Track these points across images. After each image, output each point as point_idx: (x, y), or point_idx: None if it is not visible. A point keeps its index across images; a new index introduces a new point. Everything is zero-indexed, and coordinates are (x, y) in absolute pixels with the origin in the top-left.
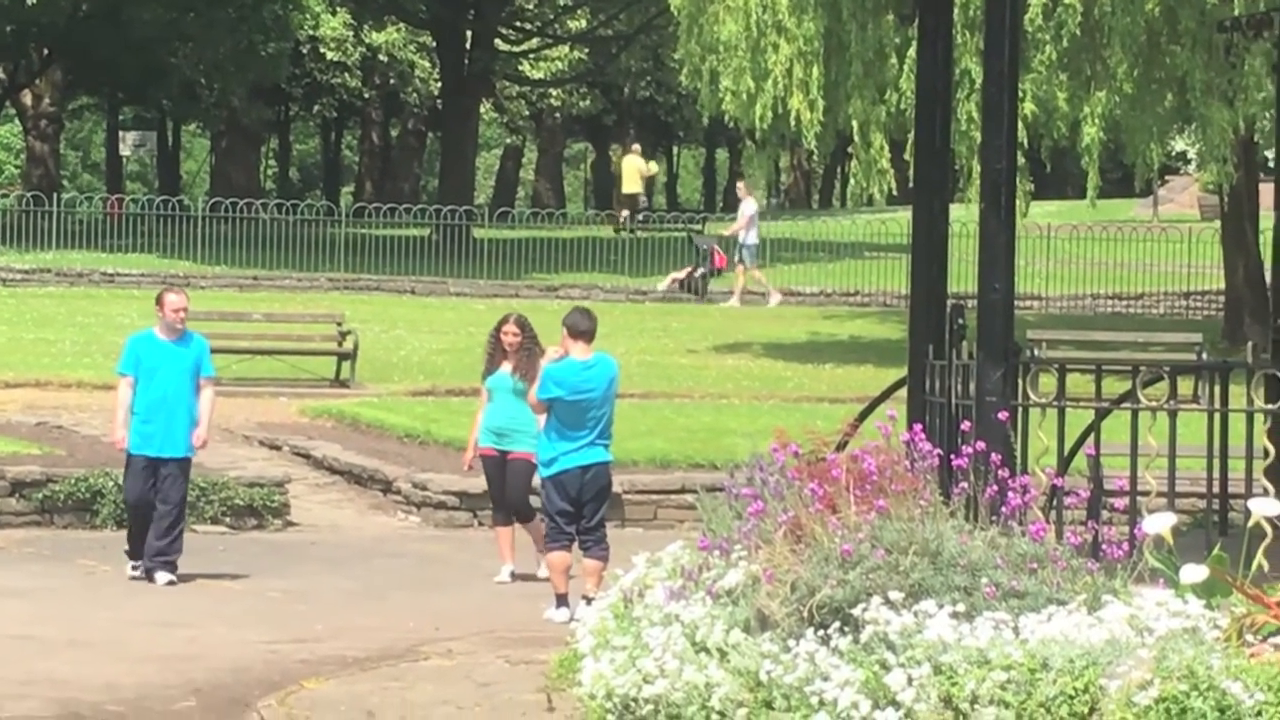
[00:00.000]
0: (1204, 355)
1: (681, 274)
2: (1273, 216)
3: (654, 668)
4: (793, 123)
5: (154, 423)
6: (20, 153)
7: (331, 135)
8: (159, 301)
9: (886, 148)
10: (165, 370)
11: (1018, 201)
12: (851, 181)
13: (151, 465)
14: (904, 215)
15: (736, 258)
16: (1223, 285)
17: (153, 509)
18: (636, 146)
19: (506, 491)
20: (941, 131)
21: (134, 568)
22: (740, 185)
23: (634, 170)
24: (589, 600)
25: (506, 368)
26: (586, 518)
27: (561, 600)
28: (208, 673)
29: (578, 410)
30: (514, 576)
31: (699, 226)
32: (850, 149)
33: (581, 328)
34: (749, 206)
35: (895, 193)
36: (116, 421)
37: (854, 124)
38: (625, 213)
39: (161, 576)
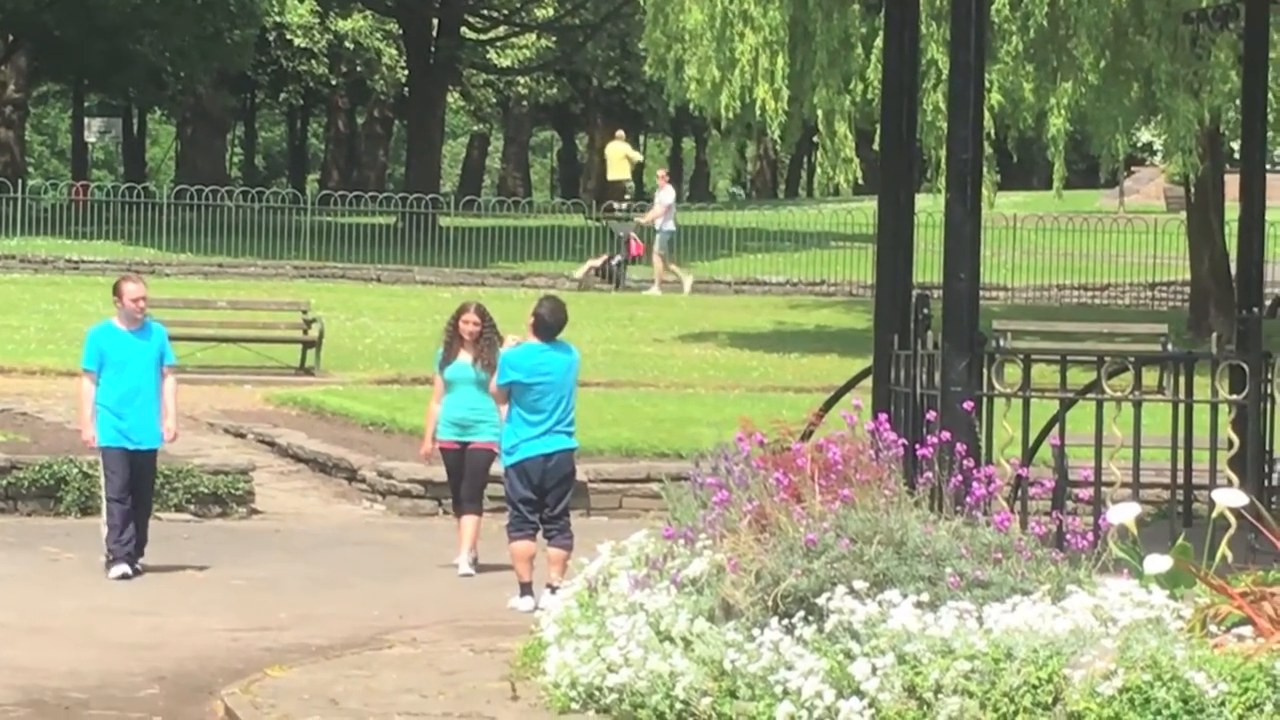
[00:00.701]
0: (1169, 346)
1: (598, 261)
2: (1238, 208)
3: (618, 656)
4: (758, 112)
5: (128, 417)
6: None
7: (297, 123)
8: (117, 292)
9: (851, 137)
10: (134, 362)
11: (984, 192)
12: (817, 171)
13: (130, 457)
14: (870, 205)
15: (656, 246)
16: (1188, 276)
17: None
18: (620, 133)
19: (464, 480)
20: (908, 122)
21: (130, 570)
22: (660, 174)
23: (620, 156)
24: (553, 589)
25: (466, 358)
26: (550, 506)
27: (525, 589)
28: (171, 660)
29: (536, 394)
30: (475, 566)
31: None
32: (816, 138)
33: (548, 323)
34: (666, 195)
35: (861, 182)
36: (84, 418)
37: (819, 113)
38: (619, 203)
39: (119, 569)
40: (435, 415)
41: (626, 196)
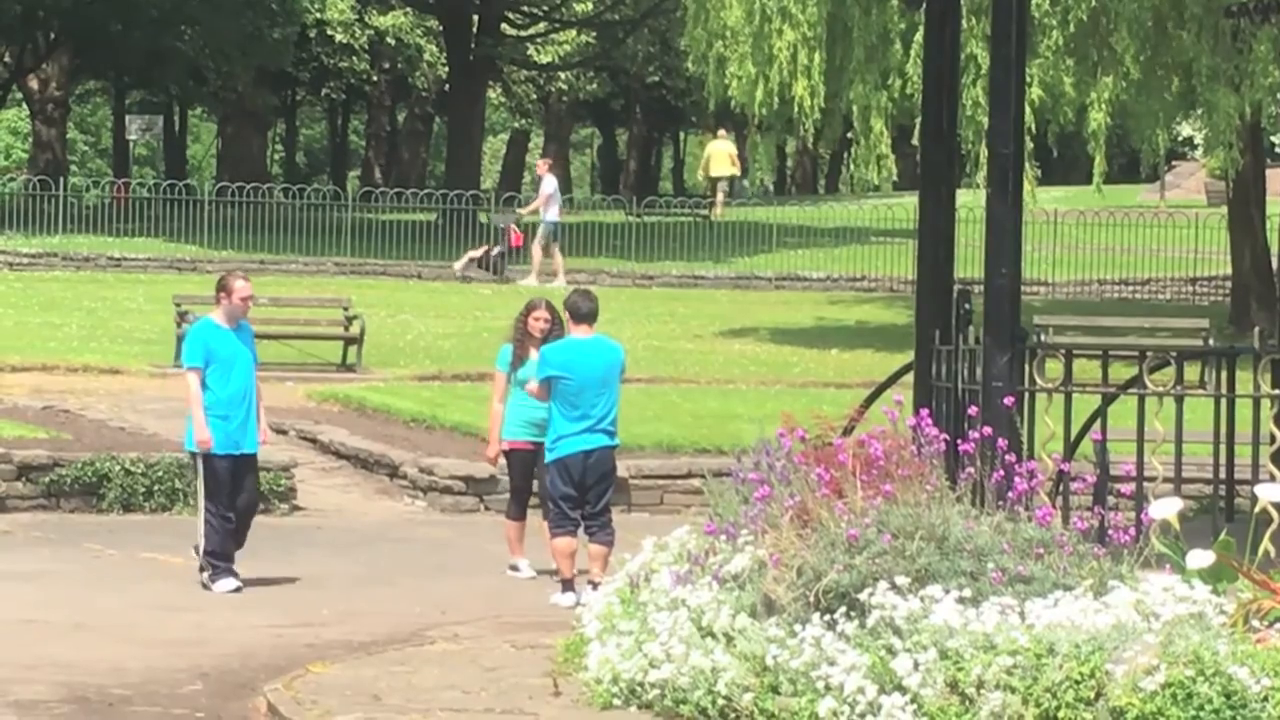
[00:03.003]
0: (1211, 341)
1: (478, 252)
2: (1279, 202)
3: (660, 652)
4: (795, 109)
5: (234, 419)
6: (27, 137)
7: (338, 120)
8: (225, 289)
9: (886, 133)
10: (239, 362)
11: (1025, 187)
12: (851, 166)
13: (234, 464)
14: (911, 200)
15: (538, 236)
16: (1229, 271)
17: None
18: (723, 131)
19: (541, 488)
20: (948, 116)
21: (236, 585)
22: (540, 163)
23: (723, 154)
24: (595, 585)
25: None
26: (591, 503)
27: (567, 585)
28: (214, 657)
29: (574, 390)
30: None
31: (706, 212)
32: (850, 134)
33: (583, 310)
34: (548, 185)
35: (895, 179)
36: (200, 420)
37: (854, 109)
38: (720, 196)
39: (228, 583)
40: (500, 416)
41: (726, 192)
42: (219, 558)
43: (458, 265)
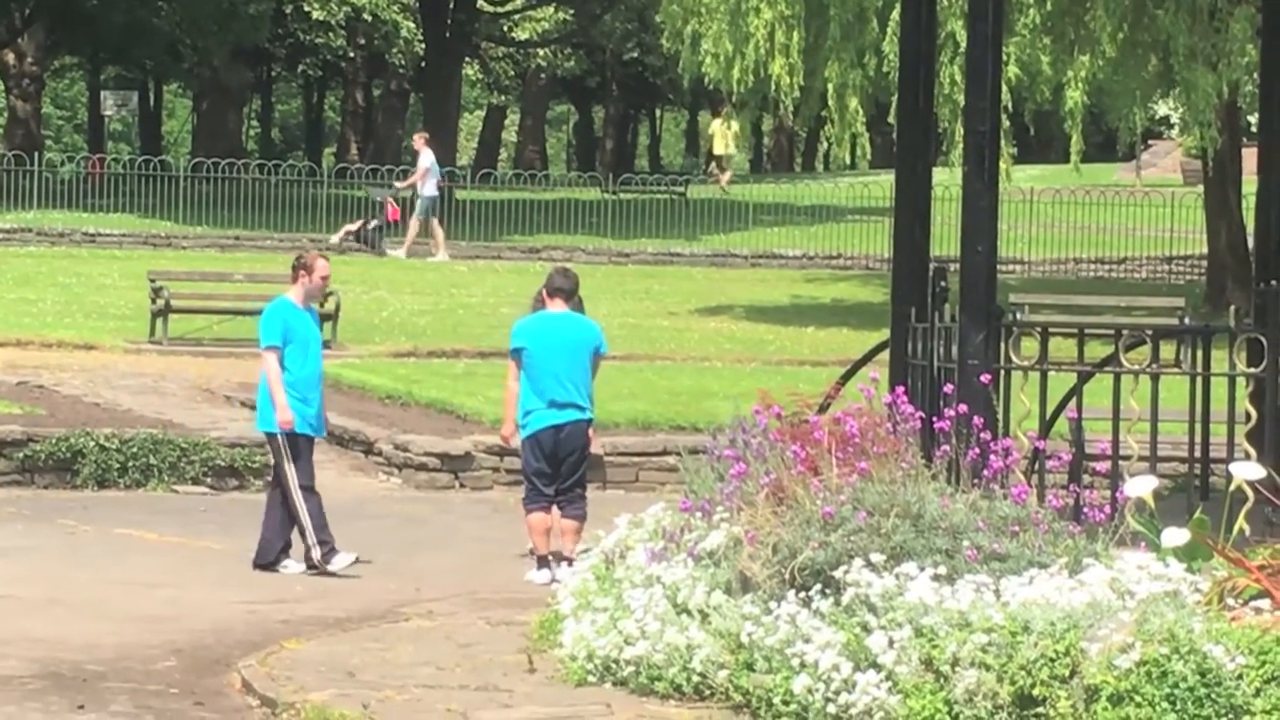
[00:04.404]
0: (1186, 319)
1: (355, 226)
2: (1255, 181)
3: (635, 629)
4: (773, 87)
5: (313, 402)
6: (2, 112)
7: (314, 96)
8: (306, 267)
9: (861, 112)
10: (314, 343)
11: (1001, 165)
12: (825, 145)
13: (311, 445)
14: (887, 178)
15: (416, 210)
16: (1205, 250)
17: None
18: (727, 110)
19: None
20: (925, 94)
21: (349, 558)
22: (417, 137)
23: (724, 132)
24: (567, 560)
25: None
26: (563, 478)
27: (542, 562)
28: (188, 633)
29: (544, 365)
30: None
31: (683, 189)
32: (824, 112)
33: (555, 285)
34: (425, 159)
35: (869, 157)
36: (281, 401)
37: (830, 88)
38: (719, 173)
39: (344, 558)
40: (515, 394)
41: (728, 170)
42: (326, 532)
43: (334, 237)
